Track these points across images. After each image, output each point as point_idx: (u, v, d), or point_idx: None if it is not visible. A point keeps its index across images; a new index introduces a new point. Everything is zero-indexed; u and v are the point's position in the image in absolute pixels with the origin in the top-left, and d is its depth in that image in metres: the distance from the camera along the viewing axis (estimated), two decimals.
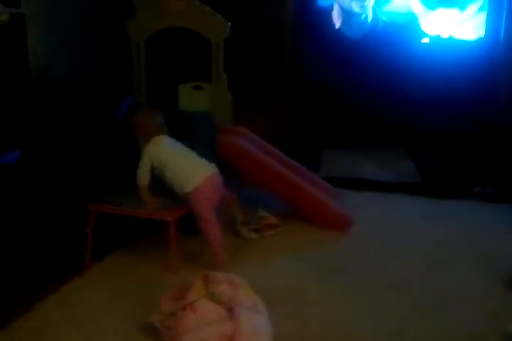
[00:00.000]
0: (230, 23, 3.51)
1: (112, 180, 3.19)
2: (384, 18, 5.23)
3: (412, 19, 5.15)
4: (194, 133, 3.16)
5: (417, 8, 5.22)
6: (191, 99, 3.68)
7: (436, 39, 5.29)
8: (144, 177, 2.85)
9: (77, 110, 3.51)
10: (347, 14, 5.20)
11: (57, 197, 3.02)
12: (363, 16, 5.24)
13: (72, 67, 3.85)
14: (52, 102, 3.45)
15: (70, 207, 3.00)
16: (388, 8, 5.23)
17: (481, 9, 5.10)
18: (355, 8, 5.07)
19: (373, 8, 5.18)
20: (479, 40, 5.18)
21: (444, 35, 5.26)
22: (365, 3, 5.09)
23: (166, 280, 2.66)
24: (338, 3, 5.24)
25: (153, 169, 2.86)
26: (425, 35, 5.27)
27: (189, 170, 2.82)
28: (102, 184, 3.16)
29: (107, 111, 3.53)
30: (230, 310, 2.09)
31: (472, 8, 5.12)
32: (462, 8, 5.14)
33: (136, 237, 3.25)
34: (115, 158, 3.32)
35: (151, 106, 3.16)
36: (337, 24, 5.37)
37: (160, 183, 2.88)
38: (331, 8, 5.34)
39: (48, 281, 2.64)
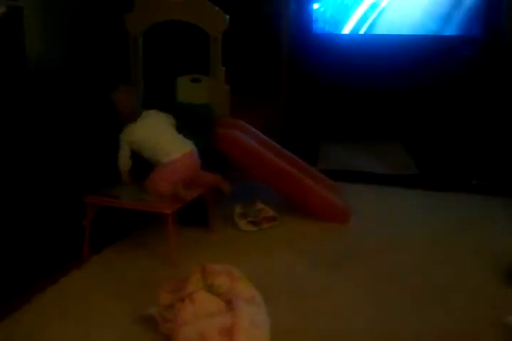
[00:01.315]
0: (228, 16, 3.50)
1: (109, 172, 3.18)
2: None
3: None
4: (192, 125, 3.16)
5: None
6: (189, 91, 3.67)
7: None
8: (124, 163, 2.97)
9: (74, 102, 3.50)
10: None
11: (55, 190, 3.03)
12: None
13: (70, 59, 3.84)
14: (49, 94, 3.44)
15: (68, 199, 3.00)
16: None
17: None
18: None
19: None
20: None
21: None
22: None
23: (164, 273, 2.67)
24: None
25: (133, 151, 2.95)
26: None
27: (168, 146, 2.90)
28: (99, 176, 3.16)
29: (104, 103, 3.52)
30: (229, 302, 2.10)
31: None
32: None
33: (134, 229, 3.25)
34: (113, 151, 3.31)
35: (127, 84, 3.19)
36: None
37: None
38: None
39: (46, 274, 2.64)
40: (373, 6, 5.37)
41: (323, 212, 3.51)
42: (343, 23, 5.48)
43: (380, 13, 5.38)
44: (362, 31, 5.46)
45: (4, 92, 3.24)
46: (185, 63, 4.04)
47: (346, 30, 5.49)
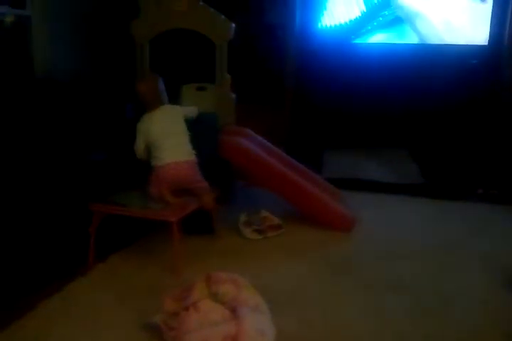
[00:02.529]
0: (233, 25, 3.52)
1: (115, 180, 3.20)
2: None
3: None
4: (198, 133, 3.17)
5: None
6: (195, 99, 3.69)
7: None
8: (140, 153, 3.05)
9: (81, 111, 3.52)
10: None
11: (61, 198, 3.04)
12: None
13: (77, 68, 3.86)
14: (57, 103, 3.46)
15: (74, 207, 3.01)
16: None
17: None
18: None
19: None
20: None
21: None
22: None
23: (169, 281, 2.67)
24: None
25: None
26: None
27: (165, 151, 2.95)
28: (106, 184, 3.17)
29: (112, 112, 3.54)
30: (233, 311, 2.10)
31: None
32: None
33: (139, 237, 3.26)
34: (119, 159, 3.33)
35: (152, 73, 3.28)
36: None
37: None
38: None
39: (51, 281, 2.65)
40: (380, 16, 5.38)
41: (328, 220, 3.51)
42: (349, 32, 5.49)
43: (386, 23, 5.39)
44: (368, 40, 5.47)
45: (12, 101, 3.26)
46: (191, 71, 4.06)
47: (352, 39, 5.50)
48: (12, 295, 2.47)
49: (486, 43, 5.13)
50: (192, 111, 3.25)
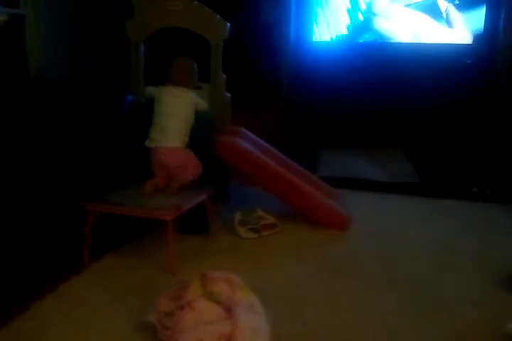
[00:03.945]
0: (228, 24, 3.51)
1: (110, 178, 3.19)
2: None
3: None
4: (193, 133, 3.17)
5: None
6: None
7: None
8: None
9: (75, 110, 3.50)
10: None
11: (55, 196, 3.02)
12: None
13: (71, 67, 3.85)
14: (51, 102, 3.44)
15: (68, 206, 3.00)
16: None
17: None
18: None
19: None
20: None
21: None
22: None
23: (164, 280, 2.67)
24: None
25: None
26: None
27: (154, 133, 3.08)
28: (100, 183, 3.16)
29: (105, 111, 3.53)
30: (228, 310, 2.10)
31: None
32: None
33: (134, 236, 3.25)
34: (113, 157, 3.32)
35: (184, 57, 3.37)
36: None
37: None
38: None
39: (46, 281, 2.64)
40: (373, 15, 5.39)
41: (323, 219, 3.52)
42: (343, 31, 5.50)
43: (379, 22, 5.40)
44: (362, 39, 5.49)
45: (5, 100, 3.25)
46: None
47: (346, 38, 5.51)
48: (5, 296, 2.46)
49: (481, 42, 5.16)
50: (203, 105, 3.30)
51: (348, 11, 5.43)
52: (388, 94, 5.31)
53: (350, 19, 5.44)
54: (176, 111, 3.09)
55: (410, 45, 5.34)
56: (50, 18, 3.61)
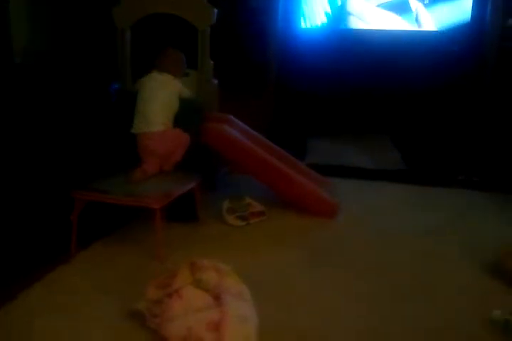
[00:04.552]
0: (216, 10, 3.48)
1: (98, 166, 3.17)
2: None
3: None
4: (181, 120, 3.15)
5: None
6: None
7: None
8: None
9: (60, 96, 3.47)
10: None
11: (42, 184, 3.00)
12: None
13: (57, 53, 3.80)
14: (35, 88, 3.40)
15: (56, 194, 2.98)
16: None
17: None
18: None
19: None
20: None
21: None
22: None
23: (152, 268, 2.67)
24: None
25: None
26: None
27: (136, 118, 3.11)
28: (88, 170, 3.14)
29: (92, 98, 3.50)
30: (217, 298, 2.10)
31: None
32: None
33: (122, 224, 3.24)
34: (101, 145, 3.30)
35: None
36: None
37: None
38: None
39: (33, 269, 2.62)
40: (362, 1, 5.37)
41: (312, 206, 3.52)
42: (330, 18, 5.48)
43: (368, 8, 5.38)
44: (350, 26, 5.47)
45: None
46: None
47: (334, 25, 5.49)
48: None
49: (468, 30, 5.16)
50: (188, 93, 3.30)
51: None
52: (375, 82, 5.31)
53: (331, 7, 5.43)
54: (158, 95, 3.10)
55: (399, 32, 5.33)
56: (36, 4, 3.55)
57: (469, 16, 5.14)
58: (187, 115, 3.21)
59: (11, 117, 3.21)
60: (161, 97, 3.10)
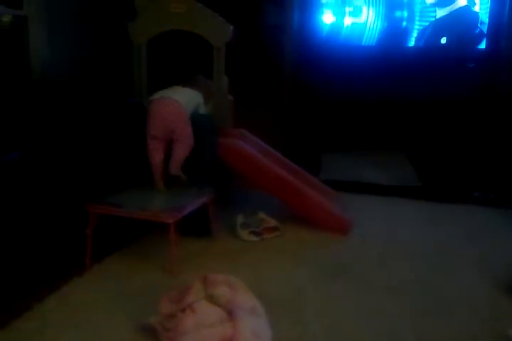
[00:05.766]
0: (232, 27, 3.51)
1: (112, 180, 3.20)
2: None
3: None
4: (195, 135, 3.17)
5: None
6: None
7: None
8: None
9: (77, 112, 3.51)
10: None
11: (57, 198, 3.03)
12: None
13: (74, 68, 3.85)
14: (53, 103, 3.45)
15: (71, 208, 3.00)
16: None
17: None
18: None
19: None
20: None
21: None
22: None
23: (165, 282, 2.66)
24: None
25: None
26: None
27: (157, 94, 3.24)
28: (102, 184, 3.17)
29: (108, 113, 3.53)
30: (229, 313, 2.10)
31: None
32: None
33: (136, 238, 3.25)
34: (116, 159, 3.33)
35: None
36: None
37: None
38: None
39: (47, 282, 2.64)
40: (376, 18, 5.39)
41: (325, 222, 3.51)
42: (345, 34, 5.49)
43: (382, 25, 5.40)
44: (365, 42, 5.48)
45: (8, 101, 3.26)
46: (188, 73, 4.05)
47: (349, 41, 5.50)
48: (8, 297, 2.46)
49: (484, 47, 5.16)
50: (205, 111, 3.43)
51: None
52: (392, 98, 5.31)
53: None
54: (183, 90, 3.28)
55: (417, 49, 5.34)
56: (54, 20, 3.61)
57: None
58: (202, 131, 3.23)
59: (28, 132, 3.25)
60: (185, 92, 3.26)
